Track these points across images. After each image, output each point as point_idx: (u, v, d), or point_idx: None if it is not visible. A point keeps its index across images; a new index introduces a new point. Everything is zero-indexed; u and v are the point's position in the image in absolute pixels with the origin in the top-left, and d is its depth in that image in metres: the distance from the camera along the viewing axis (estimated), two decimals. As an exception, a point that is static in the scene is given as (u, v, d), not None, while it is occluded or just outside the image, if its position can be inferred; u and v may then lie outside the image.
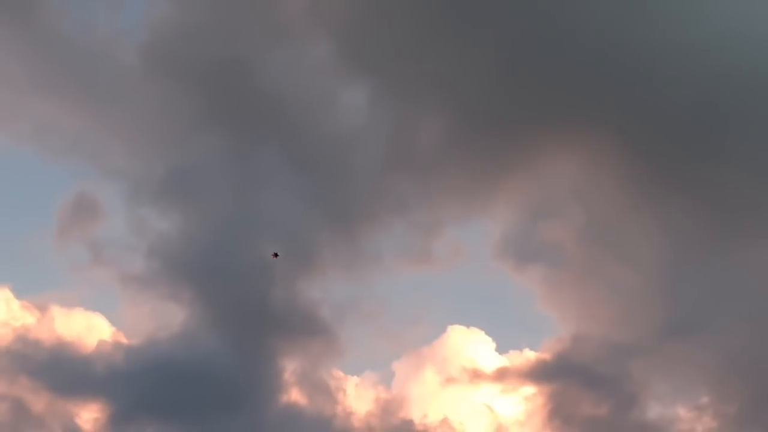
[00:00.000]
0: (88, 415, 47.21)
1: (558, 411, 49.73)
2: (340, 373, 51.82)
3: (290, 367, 50.16)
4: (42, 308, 52.26)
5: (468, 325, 54.26)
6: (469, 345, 53.30)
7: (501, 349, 53.60)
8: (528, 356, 51.99)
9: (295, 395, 50.11)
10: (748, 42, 46.73)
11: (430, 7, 51.77)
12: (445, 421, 49.84)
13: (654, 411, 49.02)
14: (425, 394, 53.05)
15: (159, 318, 50.74)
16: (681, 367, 49.86)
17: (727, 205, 48.87)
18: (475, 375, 51.22)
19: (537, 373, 50.14)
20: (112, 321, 52.87)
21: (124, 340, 51.00)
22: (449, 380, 52.21)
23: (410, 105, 51.85)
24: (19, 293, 53.02)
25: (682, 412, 49.57)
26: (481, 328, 54.48)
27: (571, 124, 50.22)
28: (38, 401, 46.48)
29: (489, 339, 53.65)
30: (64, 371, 47.61)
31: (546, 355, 50.47)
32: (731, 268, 48.18)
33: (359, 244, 51.83)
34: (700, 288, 48.59)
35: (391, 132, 52.09)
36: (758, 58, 46.76)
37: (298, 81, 52.91)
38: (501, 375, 51.03)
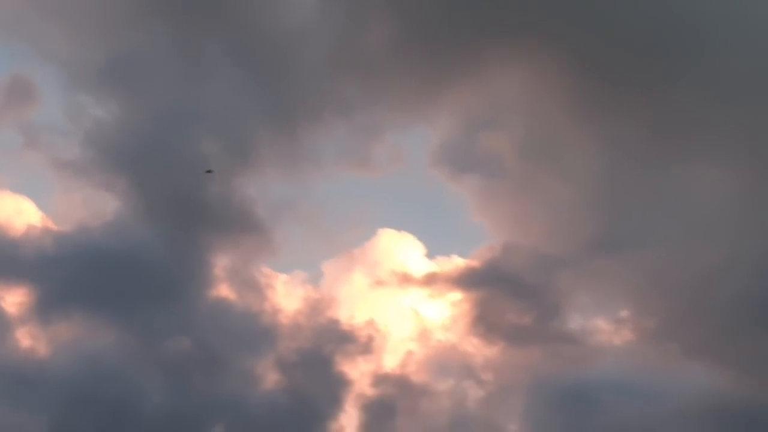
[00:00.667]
0: (13, 299, 47.10)
1: (483, 318, 50.87)
2: (270, 271, 52.02)
3: (221, 263, 50.32)
4: (-32, 189, 51.45)
5: (400, 230, 54.81)
6: (400, 249, 53.86)
7: (431, 255, 53.92)
8: (457, 263, 52.75)
9: (224, 290, 50.29)
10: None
11: None
12: (371, 323, 50.72)
13: (575, 322, 50.83)
14: (353, 295, 53.69)
15: (91, 206, 50.22)
16: (605, 281, 51.23)
17: (667, 126, 49.38)
18: (404, 279, 52.04)
19: (465, 280, 51.04)
20: (43, 207, 51.93)
21: (53, 227, 50.40)
22: (378, 283, 52.96)
23: (359, 5, 51.05)
24: (-56, 174, 52.38)
25: (602, 324, 51.35)
26: (413, 233, 54.65)
27: (519, 37, 49.99)
28: (-41, 280, 46.67)
29: (420, 244, 54.02)
30: (-11, 253, 47.49)
31: (475, 263, 51.36)
32: (665, 188, 49.22)
33: (300, 144, 51.37)
34: (632, 206, 49.80)
35: (338, 32, 50.97)
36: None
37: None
38: (429, 280, 51.82)
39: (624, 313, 51.66)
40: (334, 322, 51.17)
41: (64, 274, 47.73)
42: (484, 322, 51.58)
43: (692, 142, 49.29)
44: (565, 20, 49.13)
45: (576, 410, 49.74)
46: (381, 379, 51.60)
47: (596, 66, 50.13)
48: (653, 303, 50.25)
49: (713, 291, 47.60)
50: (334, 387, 51.26)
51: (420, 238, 54.96)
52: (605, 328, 51.77)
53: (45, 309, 47.42)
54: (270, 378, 50.16)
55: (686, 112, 49.45)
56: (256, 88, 50.99)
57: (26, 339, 46.44)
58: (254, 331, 49.47)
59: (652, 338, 50.85)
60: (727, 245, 49.08)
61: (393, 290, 53.92)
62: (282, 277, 52.96)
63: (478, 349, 52.31)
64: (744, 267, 47.50)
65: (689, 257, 49.35)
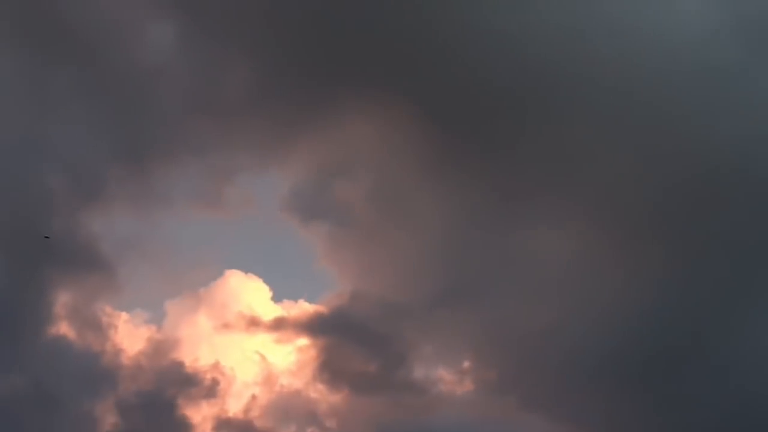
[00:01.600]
0: None
1: (328, 364, 51.70)
2: (112, 310, 51.52)
3: (62, 299, 49.38)
4: None
5: (248, 273, 55.36)
6: (247, 292, 54.29)
7: (278, 299, 54.84)
8: (305, 308, 53.88)
9: (64, 328, 49.20)
10: (560, 35, 48.74)
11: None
12: (215, 366, 50.68)
13: (419, 371, 52.55)
14: (198, 336, 53.73)
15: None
16: (448, 332, 53.01)
17: (513, 190, 51.87)
18: (251, 322, 52.36)
19: (312, 326, 51.95)
20: None
21: None
22: (224, 326, 53.05)
23: (218, 48, 51.45)
24: None
25: (445, 374, 53.22)
26: (261, 276, 55.37)
27: (376, 89, 51.44)
28: None
29: (266, 288, 54.84)
30: None
31: (322, 309, 52.29)
32: (508, 245, 51.59)
33: (150, 182, 50.90)
34: (475, 260, 51.87)
35: (195, 72, 51.27)
36: (567, 52, 48.81)
37: (104, 8, 51.14)
38: (276, 324, 52.52)
39: (466, 364, 53.55)
40: (178, 365, 50.36)
41: None
42: (330, 369, 52.20)
43: (535, 203, 51.56)
44: (420, 77, 50.72)
45: None
46: (224, 424, 51.12)
47: (448, 124, 51.73)
48: (493, 355, 52.35)
49: (548, 347, 49.82)
50: (176, 431, 49.83)
51: (267, 282, 55.41)
52: (448, 378, 53.86)
53: None
54: (108, 420, 48.90)
55: (531, 174, 51.58)
56: (108, 124, 50.30)
57: None
58: (94, 371, 48.44)
59: (491, 390, 52.67)
60: (563, 304, 51.42)
61: (239, 333, 54.00)
62: (124, 316, 52.12)
63: (322, 396, 53.16)
64: (577, 325, 49.93)
65: (527, 313, 51.48)
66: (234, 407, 52.14)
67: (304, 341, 52.79)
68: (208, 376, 51.34)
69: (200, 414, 51.13)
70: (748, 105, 47.39)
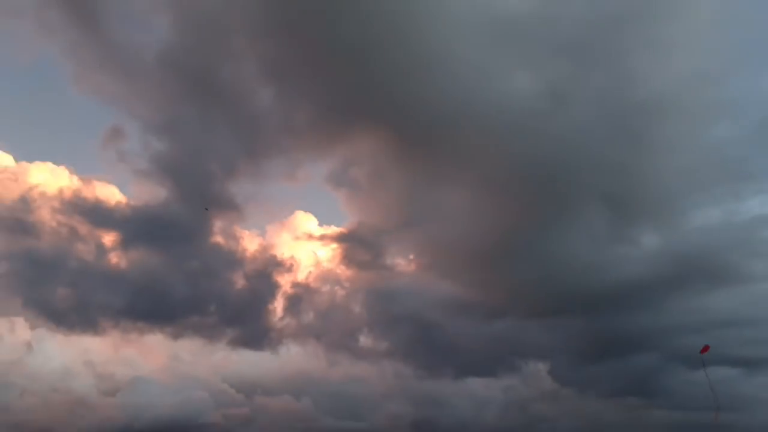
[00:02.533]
0: None
1: (346, 257, 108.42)
2: (240, 229, 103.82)
3: (217, 224, 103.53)
4: None
5: (306, 212, 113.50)
6: (306, 221, 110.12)
7: (321, 224, 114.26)
8: (335, 230, 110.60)
9: (218, 238, 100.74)
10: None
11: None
12: (291, 257, 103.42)
13: (390, 260, 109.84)
14: (283, 242, 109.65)
15: None
16: (405, 242, 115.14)
17: (439, 171, 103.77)
18: (308, 236, 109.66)
19: (338, 238, 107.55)
20: None
21: None
22: (295, 237, 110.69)
23: (288, 100, 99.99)
24: None
25: (402, 262, 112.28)
26: (313, 213, 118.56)
27: (369, 121, 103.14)
28: None
29: (315, 219, 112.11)
30: None
31: (344, 230, 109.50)
32: (436, 198, 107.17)
33: (261, 167, 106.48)
34: (422, 207, 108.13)
35: (277, 113, 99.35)
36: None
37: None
38: (321, 237, 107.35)
39: (412, 257, 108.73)
40: (273, 256, 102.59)
41: None
42: (347, 259, 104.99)
43: (449, 176, 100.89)
44: (393, 113, 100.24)
45: (387, 301, 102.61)
46: (295, 285, 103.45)
47: (407, 139, 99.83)
48: (425, 252, 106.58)
49: (454, 247, 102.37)
50: (273, 288, 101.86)
51: (316, 216, 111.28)
52: (404, 264, 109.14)
53: None
54: (240, 283, 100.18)
55: (446, 160, 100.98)
56: (238, 140, 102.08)
57: None
58: (233, 259, 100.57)
59: (424, 269, 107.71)
60: (463, 226, 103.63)
61: (303, 241, 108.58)
62: (246, 233, 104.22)
63: (342, 271, 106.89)
64: (468, 237, 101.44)
65: (445, 231, 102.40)
66: (300, 277, 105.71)
67: (334, 245, 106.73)
68: (288, 262, 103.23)
69: (284, 280, 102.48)
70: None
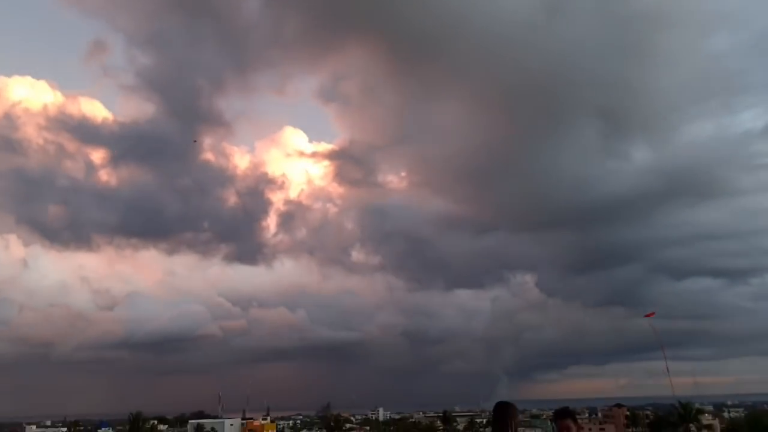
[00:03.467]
0: None
1: (338, 174, 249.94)
2: (229, 145, 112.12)
3: (207, 141, 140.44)
4: None
5: (295, 128, 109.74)
6: (295, 137, 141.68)
7: (311, 140, 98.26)
8: (326, 146, 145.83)
9: (208, 155, 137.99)
10: None
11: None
12: (283, 174, 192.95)
13: (382, 177, 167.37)
14: (273, 159, 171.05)
15: None
16: (397, 158, 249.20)
17: (430, 88, 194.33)
18: (299, 152, 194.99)
19: (329, 155, 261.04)
20: None
21: None
22: (286, 154, 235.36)
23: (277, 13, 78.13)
24: None
25: (395, 178, 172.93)
26: (302, 129, 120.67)
27: (361, 32, 74.34)
28: None
29: (305, 135, 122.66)
30: None
31: (335, 147, 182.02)
32: (427, 114, 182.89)
33: (250, 83, 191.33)
34: (413, 122, 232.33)
35: (266, 26, 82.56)
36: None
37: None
38: (312, 154, 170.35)
39: (404, 174, 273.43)
40: (264, 173, 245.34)
41: None
42: (339, 176, 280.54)
43: (439, 93, 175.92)
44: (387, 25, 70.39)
45: (379, 218, 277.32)
46: (287, 202, 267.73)
47: (400, 54, 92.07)
48: (418, 169, 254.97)
49: (446, 165, 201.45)
50: (265, 205, 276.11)
51: (305, 132, 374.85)
52: (396, 180, 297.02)
53: None
54: (231, 200, 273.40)
55: (438, 77, 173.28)
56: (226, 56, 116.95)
57: None
58: (222, 175, 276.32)
59: (416, 185, 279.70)
60: (453, 141, 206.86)
61: (294, 158, 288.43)
62: (236, 149, 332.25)
63: (335, 189, 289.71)
64: (460, 153, 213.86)
65: (436, 147, 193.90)
66: (292, 195, 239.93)
67: (326, 162, 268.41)
68: (279, 179, 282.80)
69: (276, 197, 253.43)
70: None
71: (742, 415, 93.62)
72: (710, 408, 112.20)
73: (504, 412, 4.44)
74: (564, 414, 4.46)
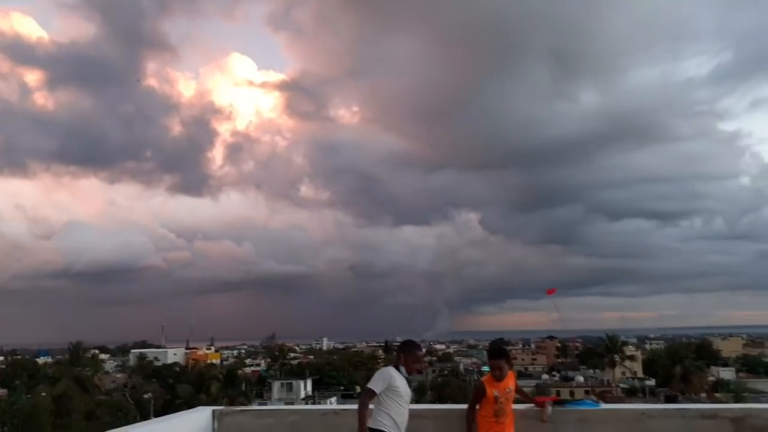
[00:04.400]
0: None
1: (289, 106, 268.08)
2: (173, 71, 72.30)
3: (150, 66, 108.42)
4: None
5: (242, 54, 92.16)
6: (243, 64, 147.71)
7: (260, 68, 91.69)
8: (277, 76, 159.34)
9: (152, 81, 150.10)
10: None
11: None
12: (231, 104, 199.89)
13: (333, 112, 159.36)
14: (220, 87, 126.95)
15: None
16: (349, 92, 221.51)
17: (380, 25, 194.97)
18: (249, 82, 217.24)
19: (280, 86, 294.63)
20: None
21: None
22: (234, 83, 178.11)
23: None
24: None
25: (347, 113, 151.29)
26: (250, 57, 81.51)
27: None
28: None
29: (254, 63, 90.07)
30: None
31: (286, 77, 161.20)
32: (383, 50, 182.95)
33: (201, 8, 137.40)
34: (366, 58, 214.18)
35: None
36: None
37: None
38: (262, 84, 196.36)
39: (355, 109, 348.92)
40: (211, 102, 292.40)
41: None
42: (289, 109, 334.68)
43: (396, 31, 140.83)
44: None
45: (329, 153, 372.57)
46: (234, 133, 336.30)
47: None
48: (370, 105, 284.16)
49: (394, 102, 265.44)
50: (211, 135, 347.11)
51: (254, 60, 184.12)
52: (348, 115, 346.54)
53: None
54: (176, 129, 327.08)
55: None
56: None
57: None
58: (167, 102, 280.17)
59: (367, 121, 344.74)
60: (407, 74, 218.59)
61: (242, 87, 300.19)
62: (180, 75, 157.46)
63: (284, 122, 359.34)
64: (411, 86, 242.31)
65: (388, 82, 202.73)
66: (240, 126, 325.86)
67: (276, 94, 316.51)
68: (227, 109, 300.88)
69: (222, 128, 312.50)
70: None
71: (663, 347, 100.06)
72: (634, 340, 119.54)
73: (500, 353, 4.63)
74: (497, 354, 4.52)
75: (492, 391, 4.44)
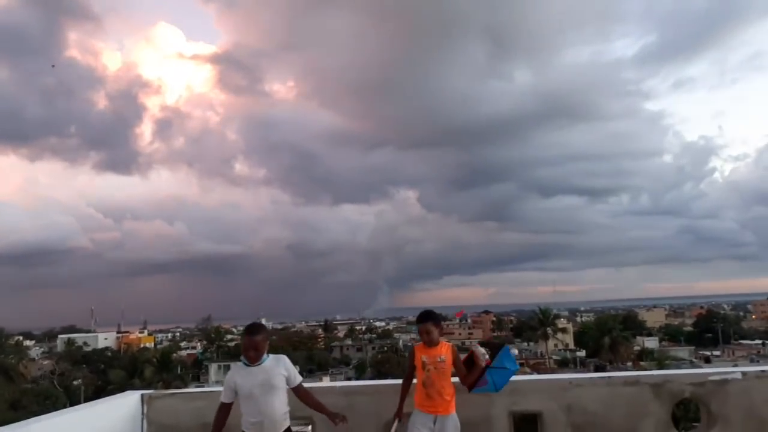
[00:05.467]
0: None
1: (221, 80, 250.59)
2: (97, 42, 60.88)
3: (72, 36, 72.13)
4: None
5: (171, 24, 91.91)
6: (173, 35, 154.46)
7: (189, 40, 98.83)
8: (209, 48, 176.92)
9: (74, 53, 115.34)
10: None
11: None
12: (160, 77, 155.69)
13: (269, 86, 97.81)
14: (150, 61, 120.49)
15: None
16: (286, 67, 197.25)
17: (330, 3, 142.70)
18: (179, 55, 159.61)
19: (212, 58, 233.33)
20: None
21: None
22: (164, 56, 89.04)
23: None
24: None
25: (282, 88, 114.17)
26: (179, 27, 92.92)
27: None
28: None
29: (182, 33, 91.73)
30: None
31: (219, 50, 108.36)
32: (324, 27, 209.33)
33: None
34: (308, 30, 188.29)
35: None
36: None
37: None
38: (193, 57, 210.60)
39: (291, 84, 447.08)
40: (139, 75, 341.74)
41: None
42: (222, 83, 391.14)
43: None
44: None
45: (265, 129, 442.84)
46: (164, 108, 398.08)
47: None
48: (307, 79, 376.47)
49: (337, 78, 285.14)
50: (139, 110, 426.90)
51: (183, 31, 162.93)
52: (283, 90, 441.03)
53: None
54: (102, 103, 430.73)
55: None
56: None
57: None
58: (92, 76, 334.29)
59: (304, 97, 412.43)
60: (348, 52, 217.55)
61: (172, 59, 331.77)
62: (106, 46, 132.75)
63: (216, 95, 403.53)
64: (353, 62, 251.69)
65: (329, 58, 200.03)
66: (170, 101, 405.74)
67: (208, 67, 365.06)
68: (155, 83, 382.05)
69: (151, 102, 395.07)
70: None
71: (592, 319, 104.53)
72: (566, 313, 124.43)
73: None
74: (423, 317, 4.40)
75: (420, 356, 4.38)
